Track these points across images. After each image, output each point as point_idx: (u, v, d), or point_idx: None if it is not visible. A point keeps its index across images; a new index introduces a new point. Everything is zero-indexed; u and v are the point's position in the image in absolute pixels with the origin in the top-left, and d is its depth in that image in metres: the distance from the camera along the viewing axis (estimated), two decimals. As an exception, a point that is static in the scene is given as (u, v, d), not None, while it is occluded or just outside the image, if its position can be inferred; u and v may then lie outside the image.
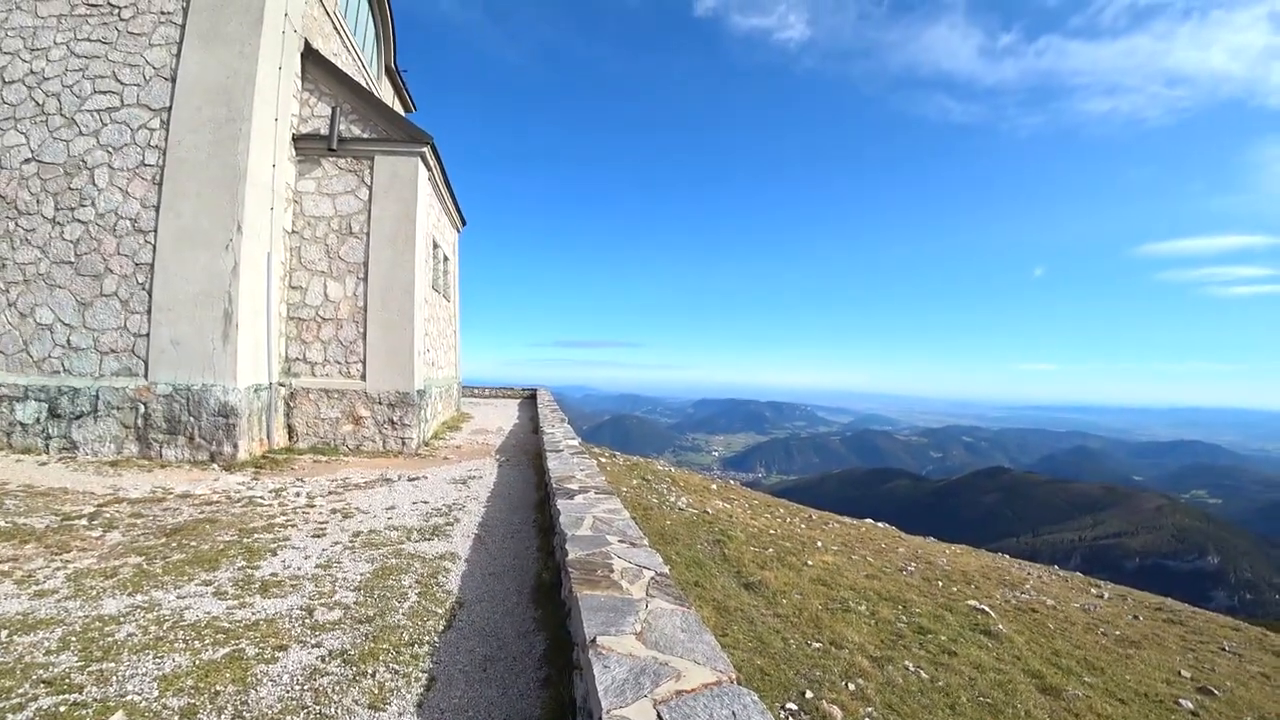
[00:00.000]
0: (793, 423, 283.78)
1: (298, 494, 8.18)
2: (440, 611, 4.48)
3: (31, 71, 10.89)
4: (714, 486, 13.86)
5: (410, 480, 9.14)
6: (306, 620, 4.26)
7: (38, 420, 10.10)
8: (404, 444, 11.59)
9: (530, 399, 26.21)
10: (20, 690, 3.27)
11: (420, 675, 3.60)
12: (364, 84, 14.04)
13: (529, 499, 8.03)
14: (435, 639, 4.06)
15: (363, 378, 11.67)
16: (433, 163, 12.95)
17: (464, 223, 19.55)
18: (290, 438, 11.50)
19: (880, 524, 13.26)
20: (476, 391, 27.30)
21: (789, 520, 11.31)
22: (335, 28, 14.31)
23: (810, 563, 7.50)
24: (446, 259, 17.24)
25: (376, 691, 3.40)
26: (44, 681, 3.36)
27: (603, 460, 12.07)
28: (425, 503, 7.78)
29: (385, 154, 12.06)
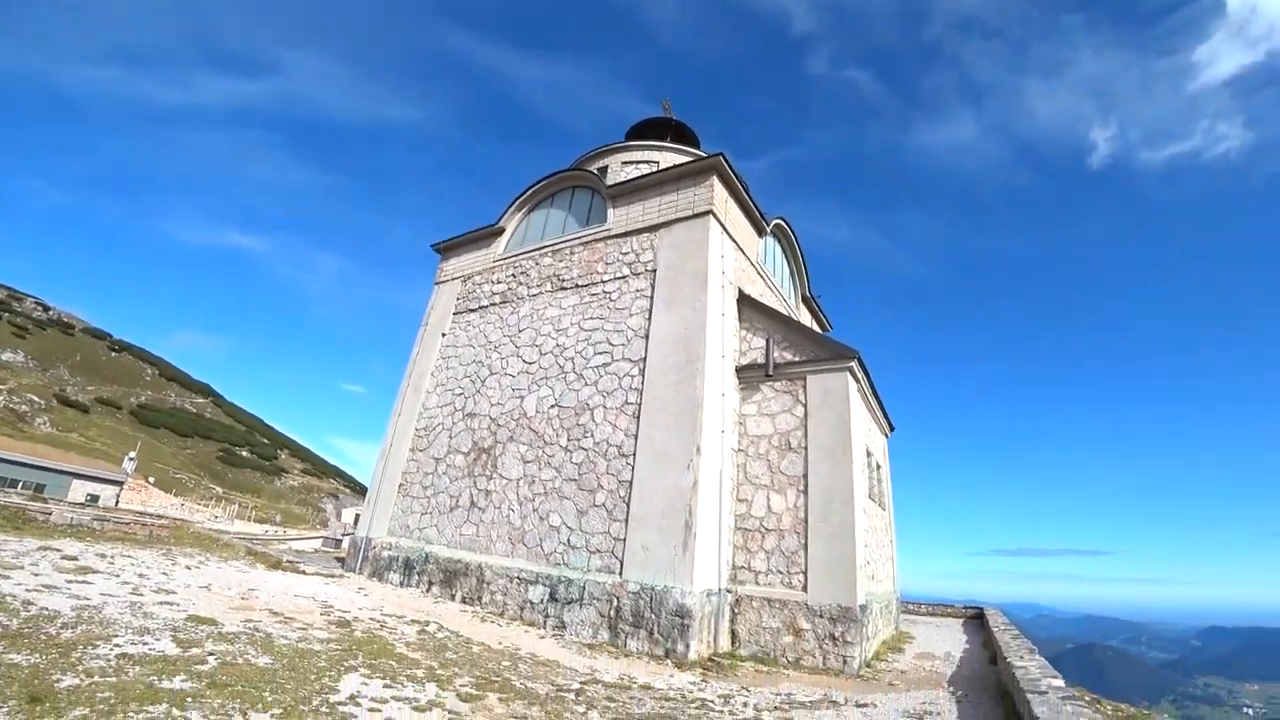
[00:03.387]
0: None
1: (744, 704, 8.28)
2: None
3: (558, 345, 15.44)
4: None
5: (858, 707, 8.49)
6: None
7: (542, 601, 12.74)
8: (845, 662, 11.00)
9: (975, 619, 22.97)
10: None
11: None
12: (787, 314, 15.84)
13: (1004, 756, 6.64)
14: None
15: (804, 589, 11.79)
16: (859, 374, 13.53)
17: (892, 428, 19.50)
18: (733, 643, 12.03)
19: None
20: (911, 607, 25.13)
21: None
22: (759, 273, 17.00)
23: None
24: (879, 466, 17.20)
25: None
26: None
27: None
28: (879, 738, 7.06)
29: (815, 373, 13.11)
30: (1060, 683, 7.97)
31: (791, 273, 20.65)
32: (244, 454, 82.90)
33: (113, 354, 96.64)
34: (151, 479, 51.90)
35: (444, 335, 18.62)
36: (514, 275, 17.51)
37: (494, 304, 17.66)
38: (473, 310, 18.25)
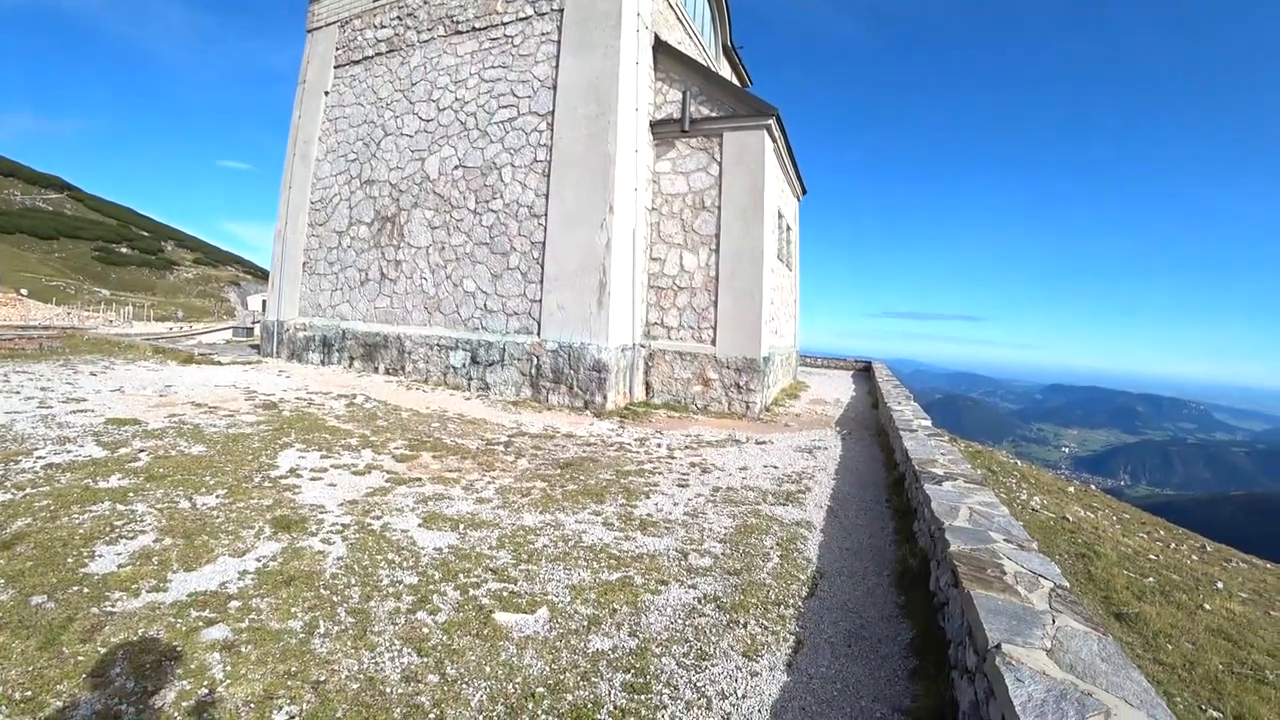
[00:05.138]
0: (1176, 424, 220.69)
1: (658, 445, 9.09)
2: (802, 578, 4.54)
3: (457, 99, 13.89)
4: (1071, 489, 11.90)
5: (758, 444, 9.48)
6: (682, 562, 4.70)
7: (464, 365, 13.04)
8: (748, 407, 12.14)
9: (864, 371, 25.47)
10: (476, 572, 4.28)
11: (788, 636, 3.69)
12: (706, 65, 14.73)
13: (879, 477, 7.73)
14: (799, 604, 4.13)
15: (713, 343, 12.46)
16: (777, 134, 13.10)
17: (804, 191, 19.52)
18: (647, 393, 12.91)
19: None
20: (809, 361, 27.50)
21: (1173, 546, 9.16)
22: (678, 18, 15.36)
23: (1208, 606, 5.86)
24: (789, 228, 17.41)
25: (749, 642, 3.58)
26: (490, 570, 4.33)
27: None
28: (775, 468, 7.99)
29: (733, 130, 12.53)
30: (928, 423, 9.12)
31: (713, 19, 18.78)
32: (124, 251, 75.79)
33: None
34: (24, 291, 47.17)
35: (327, 94, 16.42)
36: (400, 18, 15.11)
37: (380, 54, 15.42)
38: (356, 62, 15.94)
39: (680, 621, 3.77)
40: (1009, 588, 3.17)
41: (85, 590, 3.63)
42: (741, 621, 3.81)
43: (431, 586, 4.00)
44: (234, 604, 3.60)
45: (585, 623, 3.67)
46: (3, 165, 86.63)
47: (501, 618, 3.65)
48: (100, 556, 4.09)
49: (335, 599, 3.76)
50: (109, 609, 3.45)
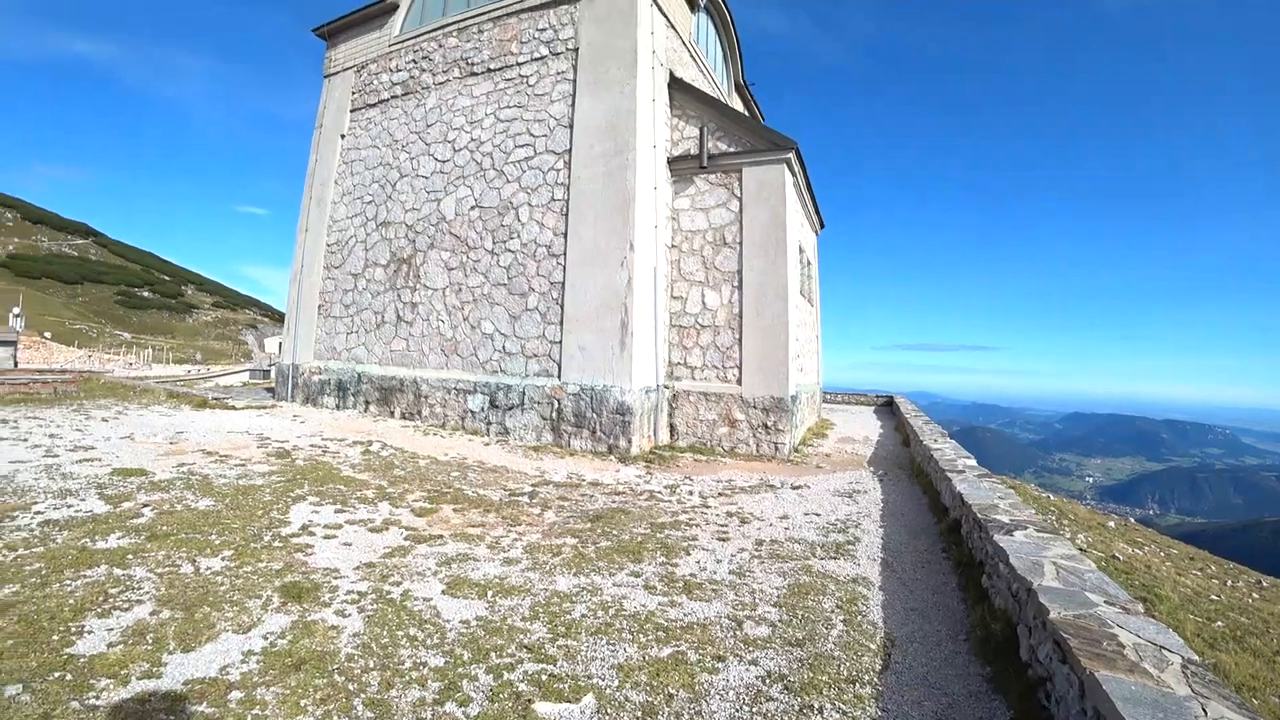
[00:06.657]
0: (1203, 449, 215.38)
1: (690, 492, 8.59)
2: (872, 647, 4.04)
3: (473, 139, 13.83)
4: (1111, 524, 11.26)
5: (793, 488, 8.98)
6: (737, 632, 4.20)
7: (482, 409, 12.66)
8: (776, 449, 11.66)
9: (885, 406, 24.85)
10: (509, 650, 3.79)
11: (871, 724, 3.20)
12: (722, 101, 14.63)
13: (928, 524, 7.20)
14: (875, 679, 3.63)
15: (738, 382, 12.05)
16: (797, 168, 12.88)
17: (822, 225, 19.28)
18: (672, 436, 12.45)
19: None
20: (828, 396, 26.92)
21: (1229, 583, 8.54)
22: (691, 56, 15.34)
23: (1287, 653, 5.34)
24: (809, 263, 17.12)
25: (829, 734, 3.09)
26: (525, 647, 3.84)
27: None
28: (817, 515, 7.49)
29: (752, 165, 12.33)
30: (973, 461, 8.59)
31: (725, 57, 18.85)
32: (145, 294, 77.16)
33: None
34: (48, 334, 47.72)
35: (343, 137, 16.51)
36: (415, 61, 15.21)
37: (396, 96, 15.50)
38: (372, 105, 16.03)
39: (746, 709, 3.28)
40: (1135, 666, 2.73)
41: (68, 677, 3.22)
42: (815, 706, 3.32)
43: (460, 669, 3.55)
44: (235, 695, 3.17)
45: (639, 713, 3.20)
46: (32, 213, 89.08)
47: (542, 708, 3.19)
48: (90, 633, 3.69)
49: (351, 687, 3.31)
50: (92, 701, 3.04)
